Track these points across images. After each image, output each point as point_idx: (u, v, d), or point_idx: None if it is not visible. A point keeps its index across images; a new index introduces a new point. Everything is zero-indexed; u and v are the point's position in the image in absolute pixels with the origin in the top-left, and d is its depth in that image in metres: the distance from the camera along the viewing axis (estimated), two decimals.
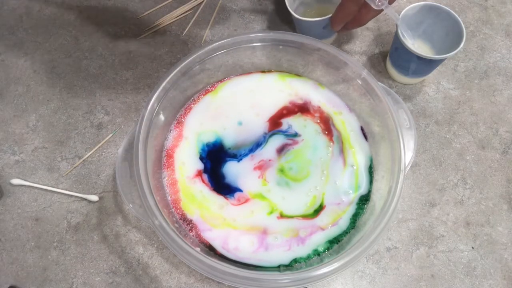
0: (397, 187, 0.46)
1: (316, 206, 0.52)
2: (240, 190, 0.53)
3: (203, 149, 0.55)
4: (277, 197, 0.52)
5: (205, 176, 0.54)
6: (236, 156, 0.55)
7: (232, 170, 0.54)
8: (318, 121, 0.57)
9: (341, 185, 0.53)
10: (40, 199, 0.57)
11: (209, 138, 0.56)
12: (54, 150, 0.60)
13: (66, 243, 0.54)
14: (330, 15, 0.58)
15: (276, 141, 0.56)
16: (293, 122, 0.57)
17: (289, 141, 0.56)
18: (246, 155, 0.55)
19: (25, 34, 0.69)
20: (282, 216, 0.51)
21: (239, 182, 0.53)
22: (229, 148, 0.55)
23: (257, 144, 0.56)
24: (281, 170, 0.54)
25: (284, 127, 0.57)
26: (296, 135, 0.56)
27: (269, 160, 0.55)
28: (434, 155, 0.60)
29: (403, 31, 0.58)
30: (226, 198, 0.52)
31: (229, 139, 0.56)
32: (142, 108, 0.60)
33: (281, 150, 0.55)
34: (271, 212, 0.52)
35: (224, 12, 0.71)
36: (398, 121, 0.50)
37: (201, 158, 0.55)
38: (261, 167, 0.54)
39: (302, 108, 0.58)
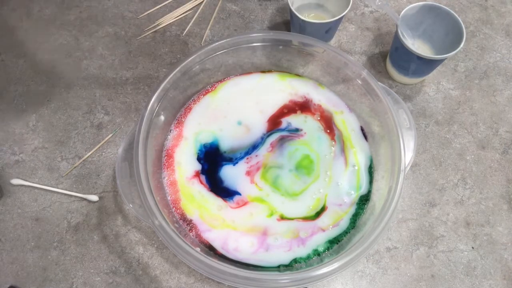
0: (397, 187, 0.46)
1: (318, 208, 0.52)
2: (239, 194, 0.53)
3: (200, 150, 0.55)
4: (277, 202, 0.52)
5: (203, 177, 0.54)
6: (232, 159, 0.55)
7: (229, 174, 0.54)
8: (319, 118, 0.57)
9: (343, 186, 0.53)
10: (40, 199, 0.57)
11: (207, 138, 0.56)
12: (54, 150, 0.60)
13: (66, 243, 0.54)
14: (336, 18, 0.58)
15: (274, 139, 0.56)
16: (292, 120, 0.57)
17: (293, 135, 0.56)
18: (241, 158, 0.55)
19: (25, 34, 0.69)
20: (282, 218, 0.51)
21: (237, 186, 0.53)
22: (225, 152, 0.55)
23: (254, 147, 0.55)
24: (268, 173, 0.54)
25: (283, 125, 0.57)
26: (297, 130, 0.56)
27: (257, 162, 0.54)
28: (434, 155, 0.60)
29: (403, 31, 0.58)
30: (225, 200, 0.52)
31: (226, 141, 0.56)
32: (142, 108, 0.60)
33: (279, 143, 0.55)
34: (270, 215, 0.51)
35: (224, 12, 0.71)
36: (398, 121, 0.50)
37: (199, 159, 0.55)
38: (250, 172, 0.54)
39: (303, 106, 0.58)
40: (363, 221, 0.51)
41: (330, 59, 0.55)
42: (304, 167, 0.54)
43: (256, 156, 0.55)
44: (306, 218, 0.51)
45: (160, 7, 0.71)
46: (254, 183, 0.53)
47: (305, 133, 0.56)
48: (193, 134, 0.56)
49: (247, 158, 0.55)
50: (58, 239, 0.55)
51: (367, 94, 0.54)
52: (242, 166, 0.54)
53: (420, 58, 0.56)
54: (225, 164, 0.54)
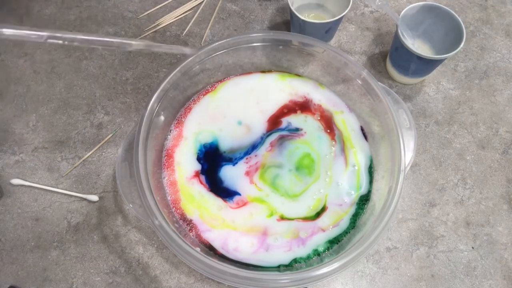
0: (397, 187, 0.46)
1: (318, 208, 0.52)
2: (239, 194, 0.53)
3: (200, 150, 0.55)
4: (276, 202, 0.52)
5: (202, 177, 0.54)
6: (232, 160, 0.55)
7: (228, 174, 0.54)
8: (319, 118, 0.57)
9: (343, 186, 0.53)
10: (40, 199, 0.57)
11: (207, 138, 0.56)
12: (54, 150, 0.60)
13: (66, 243, 0.54)
14: (336, 18, 0.58)
15: (274, 138, 0.56)
16: (293, 120, 0.57)
17: (293, 134, 0.56)
18: (241, 158, 0.55)
19: None
20: (282, 218, 0.51)
21: (237, 186, 0.53)
22: (224, 152, 0.55)
23: (253, 147, 0.55)
24: (266, 173, 0.53)
25: (283, 125, 0.57)
26: (297, 129, 0.56)
27: (256, 162, 0.54)
28: (434, 155, 0.60)
29: (403, 31, 0.58)
30: (224, 201, 0.52)
31: (225, 141, 0.56)
32: (142, 108, 0.60)
33: (279, 142, 0.55)
34: (270, 215, 0.51)
35: (224, 12, 0.71)
36: (398, 121, 0.50)
37: (199, 159, 0.55)
38: (249, 173, 0.54)
39: (303, 106, 0.58)
40: (363, 221, 0.51)
41: (330, 59, 0.55)
42: (306, 166, 0.54)
43: (256, 156, 0.55)
44: (306, 218, 0.51)
45: (160, 7, 0.71)
46: (253, 183, 0.53)
47: (305, 132, 0.56)
48: (193, 134, 0.56)
49: (247, 158, 0.55)
50: (58, 239, 0.55)
51: (367, 94, 0.54)
52: (241, 166, 0.54)
53: (420, 58, 0.56)
54: (225, 164, 0.54)
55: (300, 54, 0.58)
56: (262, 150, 0.55)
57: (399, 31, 0.57)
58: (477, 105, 0.64)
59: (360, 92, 0.55)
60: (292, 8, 0.58)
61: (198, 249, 0.44)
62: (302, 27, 0.60)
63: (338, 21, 0.60)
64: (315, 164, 0.54)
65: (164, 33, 0.69)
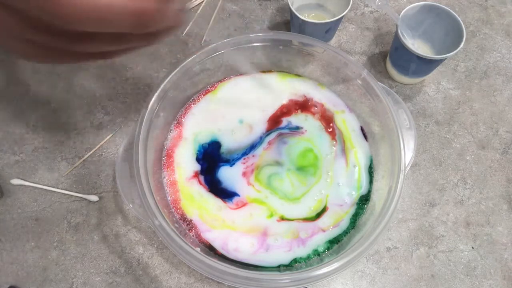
0: (397, 187, 0.46)
1: (319, 209, 0.52)
2: (238, 195, 0.52)
3: (199, 150, 0.55)
4: (276, 203, 0.52)
5: (201, 178, 0.54)
6: (229, 160, 0.54)
7: (226, 175, 0.54)
8: (319, 118, 0.57)
9: (344, 186, 0.53)
10: (40, 199, 0.57)
11: (206, 139, 0.56)
12: (54, 150, 0.60)
13: (66, 243, 0.54)
14: (336, 18, 0.58)
15: (273, 137, 0.56)
16: (293, 119, 0.57)
17: (293, 132, 0.56)
18: (238, 159, 0.54)
19: None
20: (282, 219, 0.51)
21: (235, 187, 0.53)
22: (222, 153, 0.55)
23: (252, 147, 0.55)
24: (261, 174, 0.53)
25: (283, 124, 0.57)
26: (298, 128, 0.56)
27: (252, 163, 0.54)
28: (434, 155, 0.60)
29: (403, 31, 0.58)
30: (224, 201, 0.52)
31: (224, 142, 0.56)
32: (142, 108, 0.60)
33: (278, 138, 0.55)
34: (270, 216, 0.51)
35: (224, 12, 0.71)
36: (398, 121, 0.50)
37: (198, 160, 0.55)
38: (245, 174, 0.53)
39: (303, 106, 0.58)
40: (363, 221, 0.51)
41: (330, 59, 0.55)
42: (311, 164, 0.54)
43: (253, 156, 0.55)
44: (306, 219, 0.51)
45: None
46: (251, 184, 0.53)
47: (305, 130, 0.56)
48: (192, 134, 0.56)
49: (244, 159, 0.54)
50: (58, 239, 0.55)
51: (367, 94, 0.54)
52: (238, 167, 0.54)
53: (420, 58, 0.56)
54: (223, 165, 0.54)
55: (300, 54, 0.58)
56: (260, 150, 0.55)
57: (399, 31, 0.57)
58: (477, 105, 0.64)
59: (360, 92, 0.55)
60: (292, 8, 0.58)
61: (198, 249, 0.44)
62: (302, 27, 0.60)
63: (338, 21, 0.60)
64: (318, 162, 0.54)
65: None
